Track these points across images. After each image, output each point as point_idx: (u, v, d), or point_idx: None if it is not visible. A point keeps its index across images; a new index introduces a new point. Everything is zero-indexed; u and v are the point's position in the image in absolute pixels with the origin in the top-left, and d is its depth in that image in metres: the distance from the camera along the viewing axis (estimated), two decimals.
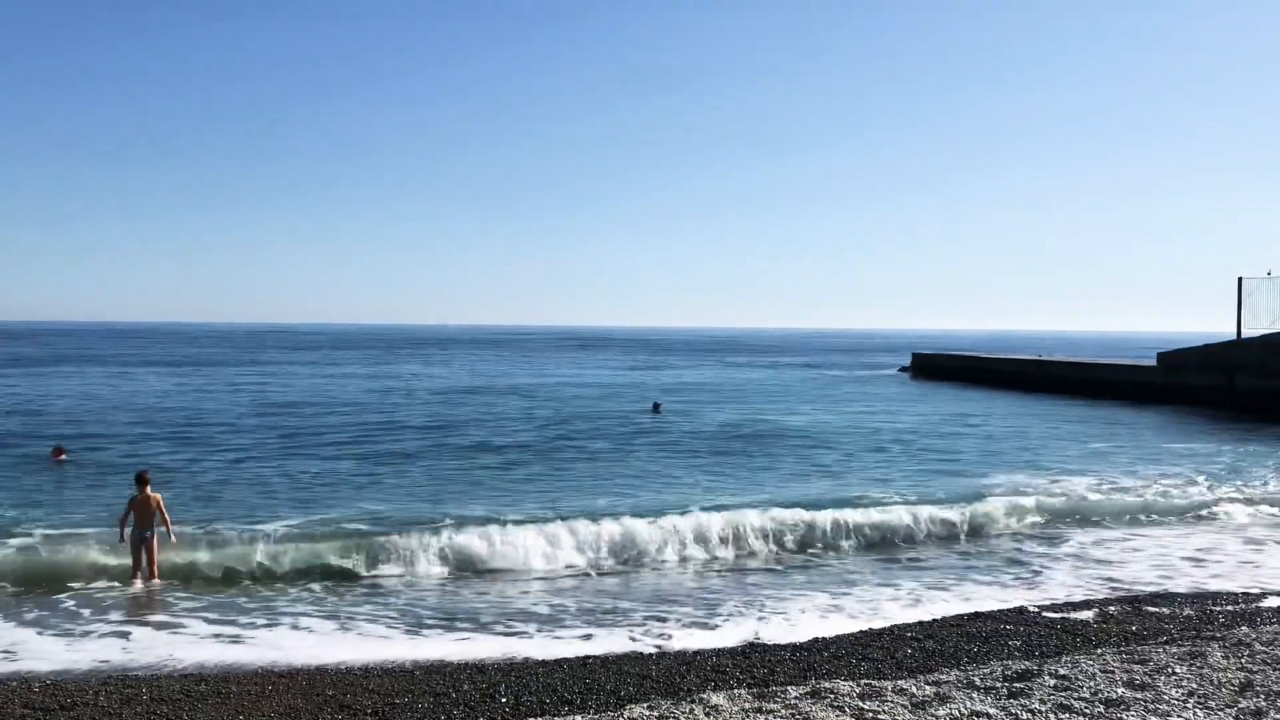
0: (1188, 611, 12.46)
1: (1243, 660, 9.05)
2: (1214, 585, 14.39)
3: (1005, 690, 8.21)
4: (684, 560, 16.12)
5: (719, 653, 10.85)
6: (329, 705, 8.97)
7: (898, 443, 31.55)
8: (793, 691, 8.43)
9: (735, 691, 8.74)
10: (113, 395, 47.93)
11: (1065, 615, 12.33)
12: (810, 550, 16.88)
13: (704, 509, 18.53)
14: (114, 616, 12.58)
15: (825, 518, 17.58)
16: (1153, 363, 49.27)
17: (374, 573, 14.85)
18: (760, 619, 12.67)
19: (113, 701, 9.03)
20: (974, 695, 8.11)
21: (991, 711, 7.63)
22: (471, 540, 15.60)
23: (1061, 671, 8.69)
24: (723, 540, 16.69)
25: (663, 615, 12.85)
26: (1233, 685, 8.21)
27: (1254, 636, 10.15)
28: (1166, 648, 9.83)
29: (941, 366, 70.16)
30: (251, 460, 26.43)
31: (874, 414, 42.03)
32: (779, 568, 15.81)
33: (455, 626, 12.34)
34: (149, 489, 14.94)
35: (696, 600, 13.67)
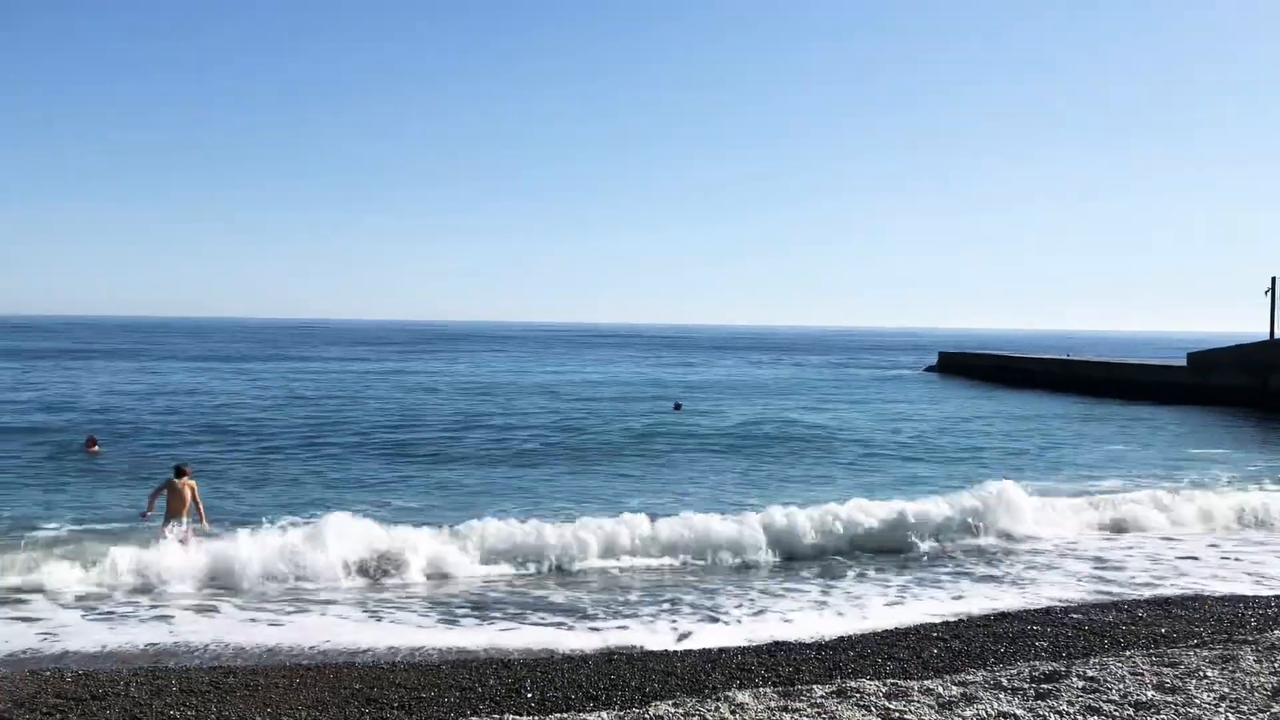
0: (1218, 614, 12.32)
1: (1276, 664, 8.94)
2: (1245, 588, 14.23)
3: (1032, 691, 8.15)
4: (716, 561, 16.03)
5: (744, 650, 10.83)
6: (356, 698, 9.03)
7: (920, 442, 31.37)
8: (818, 690, 8.41)
9: (761, 690, 8.72)
10: (143, 389, 48.41)
11: (1092, 616, 12.23)
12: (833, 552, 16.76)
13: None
14: (153, 599, 12.80)
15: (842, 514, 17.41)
16: (1182, 363, 48.79)
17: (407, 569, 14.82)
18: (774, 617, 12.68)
19: (143, 692, 9.12)
20: (1001, 696, 8.06)
21: (1019, 713, 7.58)
22: (529, 533, 15.67)
23: (1090, 673, 8.62)
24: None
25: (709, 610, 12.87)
26: (1265, 690, 8.11)
27: None
28: (1197, 651, 9.72)
29: (968, 365, 69.77)
30: (283, 454, 26.65)
31: (899, 413, 41.83)
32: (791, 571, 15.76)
33: (526, 619, 12.43)
34: (186, 479, 15.10)
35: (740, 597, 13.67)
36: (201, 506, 15.30)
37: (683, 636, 11.72)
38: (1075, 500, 19.87)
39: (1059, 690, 8.13)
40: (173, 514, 14.84)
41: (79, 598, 12.92)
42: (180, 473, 15.25)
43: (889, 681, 8.76)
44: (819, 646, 11.00)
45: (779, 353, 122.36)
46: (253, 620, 12.21)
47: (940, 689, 8.35)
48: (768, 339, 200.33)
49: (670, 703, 8.40)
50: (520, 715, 8.25)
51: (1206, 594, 13.73)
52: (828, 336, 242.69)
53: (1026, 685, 8.36)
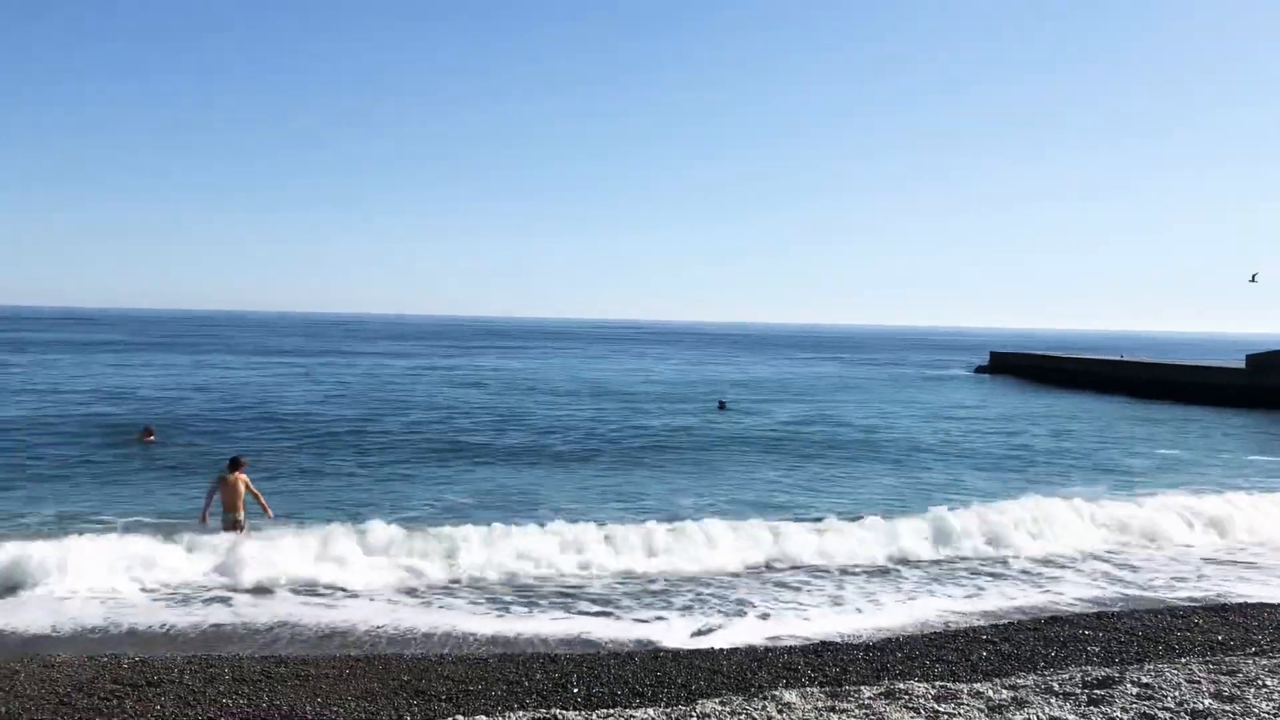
0: (1278, 622, 12.06)
1: None
2: None
3: (1085, 697, 8.03)
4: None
5: (790, 650, 10.78)
6: (404, 690, 9.11)
7: (968, 444, 31.01)
8: (866, 691, 8.35)
9: (808, 689, 8.68)
10: (197, 380, 49.19)
11: (1146, 622, 12.01)
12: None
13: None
14: (209, 589, 13.03)
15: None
16: (1239, 364, 47.82)
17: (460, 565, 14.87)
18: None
19: (196, 680, 9.27)
20: (1052, 701, 7.95)
21: (1071, 718, 7.47)
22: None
23: (1144, 680, 8.47)
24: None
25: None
26: None
27: None
28: (1256, 659, 9.52)
29: (1019, 365, 68.90)
30: (332, 447, 26.96)
31: (948, 413, 41.42)
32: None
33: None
34: (239, 473, 15.26)
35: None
36: (262, 499, 15.44)
37: (703, 631, 11.74)
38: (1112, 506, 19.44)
39: (1112, 696, 8.01)
40: (228, 508, 15.04)
41: (144, 589, 13.10)
42: (235, 466, 15.41)
43: (937, 684, 8.67)
44: (866, 647, 10.92)
45: (825, 351, 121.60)
46: (305, 601, 12.39)
47: (990, 692, 8.25)
48: (813, 337, 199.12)
49: (717, 700, 8.38)
50: (567, 710, 8.27)
51: (1267, 602, 13.45)
52: (875, 335, 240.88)
53: (1079, 690, 8.24)
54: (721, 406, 41.91)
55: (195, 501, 18.89)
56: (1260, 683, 8.41)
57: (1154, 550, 16.82)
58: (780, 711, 7.80)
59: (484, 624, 11.96)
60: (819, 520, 17.37)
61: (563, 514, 17.78)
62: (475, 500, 19.85)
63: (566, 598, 13.29)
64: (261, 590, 13.05)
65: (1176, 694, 8.06)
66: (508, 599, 13.18)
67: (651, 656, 10.42)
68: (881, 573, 15.03)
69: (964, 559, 15.90)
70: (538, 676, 9.55)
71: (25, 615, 11.83)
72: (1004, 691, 8.28)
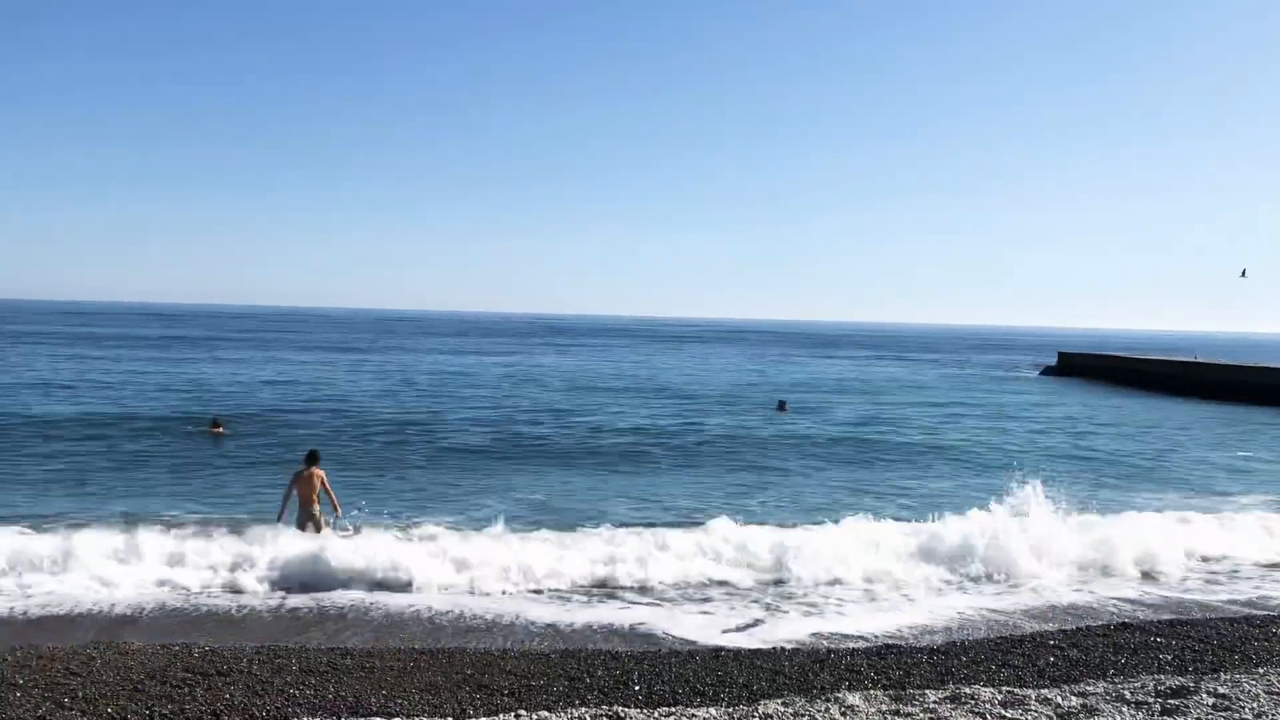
0: None
1: None
2: None
3: (1158, 706, 7.85)
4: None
5: (853, 652, 10.68)
6: (467, 684, 9.19)
7: (1028, 448, 30.44)
8: (931, 695, 8.25)
9: (871, 692, 8.60)
10: (265, 374, 50.10)
11: (1221, 631, 11.70)
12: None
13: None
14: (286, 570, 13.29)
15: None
16: None
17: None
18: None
19: (265, 670, 9.44)
20: (1124, 709, 7.79)
21: None
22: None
23: (1220, 690, 8.26)
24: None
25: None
26: None
27: None
28: None
29: (1088, 367, 67.43)
30: (396, 443, 27.31)
31: (1011, 416, 40.76)
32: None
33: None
34: (315, 467, 15.46)
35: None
36: (333, 496, 15.63)
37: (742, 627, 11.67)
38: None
39: (1187, 706, 7.82)
40: (304, 502, 15.27)
41: (224, 585, 13.32)
42: (311, 460, 15.60)
43: (1004, 689, 8.55)
44: (930, 650, 10.78)
45: (887, 350, 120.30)
46: (371, 598, 12.56)
47: (1059, 699, 8.11)
48: (874, 336, 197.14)
49: (779, 701, 8.35)
50: (629, 708, 8.28)
51: None
52: (935, 334, 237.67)
53: (1151, 699, 8.06)
54: (782, 406, 41.61)
55: (261, 494, 19.35)
56: None
57: (1233, 561, 16.35)
58: (843, 714, 7.74)
59: (545, 612, 12.03)
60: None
61: (628, 516, 17.86)
62: (538, 501, 19.84)
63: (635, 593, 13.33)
64: (329, 584, 13.23)
65: (1255, 705, 7.85)
66: (574, 599, 13.24)
67: (713, 655, 10.39)
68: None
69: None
70: (599, 673, 9.58)
71: (104, 601, 12.14)
72: (1073, 698, 8.14)
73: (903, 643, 11.22)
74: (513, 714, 8.13)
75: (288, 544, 14.08)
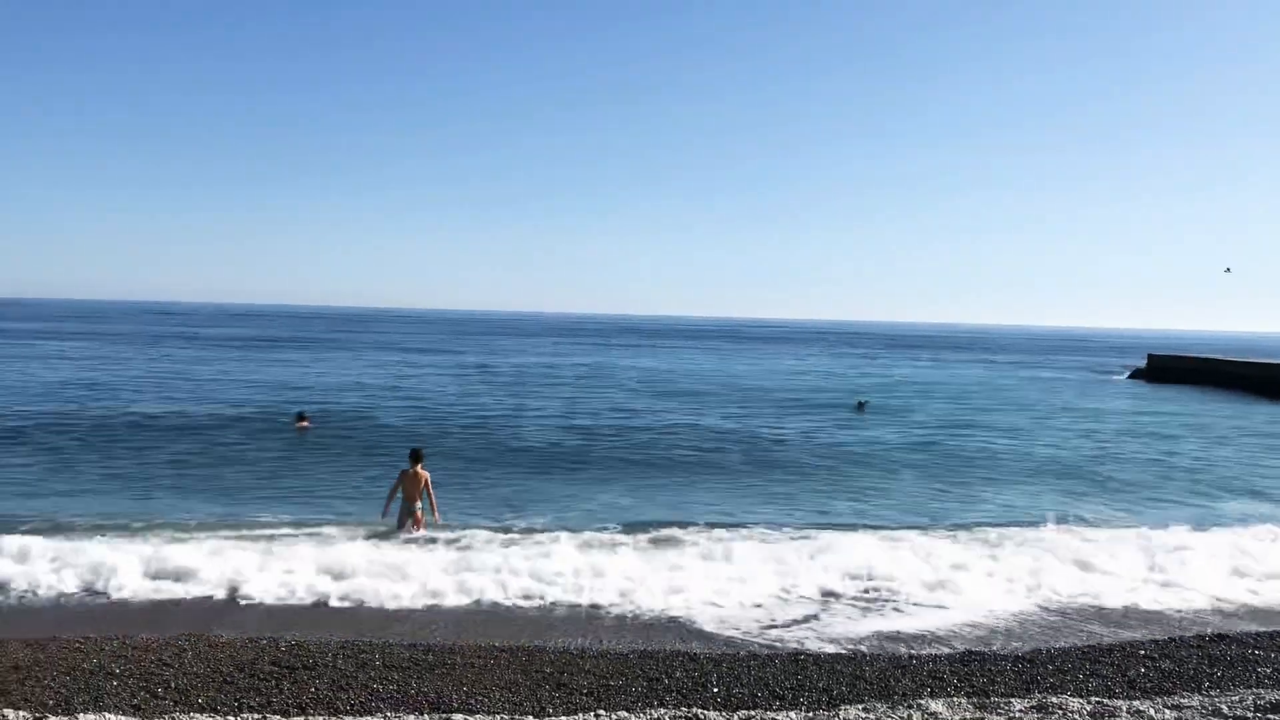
0: None
1: None
2: None
3: None
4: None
5: (935, 658, 10.50)
6: (547, 682, 9.24)
7: (1105, 458, 29.58)
8: (1017, 704, 8.07)
9: (954, 699, 8.45)
10: (350, 373, 51.06)
11: None
12: None
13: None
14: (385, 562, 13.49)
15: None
16: None
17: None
18: None
19: (349, 665, 9.62)
20: None
21: None
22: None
23: None
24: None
25: None
26: None
27: None
28: None
29: (1181, 370, 65.10)
30: (481, 444, 27.60)
31: (1094, 421, 39.74)
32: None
33: None
34: (420, 466, 15.72)
35: None
36: (434, 499, 15.86)
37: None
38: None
39: None
40: (408, 499, 15.53)
41: (308, 587, 13.59)
42: (416, 458, 15.83)
43: (1094, 699, 8.33)
44: (1015, 658, 10.55)
45: (969, 351, 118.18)
46: (452, 594, 12.70)
47: (1151, 711, 7.87)
48: (955, 337, 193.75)
49: (860, 707, 8.25)
50: (707, 710, 8.24)
51: None
52: (1019, 335, 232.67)
53: (1250, 714, 7.77)
54: (861, 407, 41.18)
55: (347, 492, 19.75)
56: None
57: None
58: None
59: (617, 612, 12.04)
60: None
61: (715, 520, 17.86)
62: (627, 505, 19.83)
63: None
64: (407, 580, 13.39)
65: None
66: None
67: (792, 659, 10.30)
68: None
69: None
70: (678, 675, 9.55)
71: (192, 594, 12.47)
72: (1166, 712, 7.89)
73: (986, 649, 11.00)
74: (592, 714, 8.15)
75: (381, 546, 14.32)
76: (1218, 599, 13.68)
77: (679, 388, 50.18)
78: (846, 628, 11.86)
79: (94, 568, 13.04)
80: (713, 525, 17.27)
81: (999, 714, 7.78)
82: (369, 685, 9.01)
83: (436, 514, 15.74)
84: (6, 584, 12.39)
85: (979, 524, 18.14)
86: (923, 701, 8.39)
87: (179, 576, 12.96)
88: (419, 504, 15.57)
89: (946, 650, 10.93)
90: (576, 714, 8.25)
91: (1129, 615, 12.83)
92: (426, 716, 8.09)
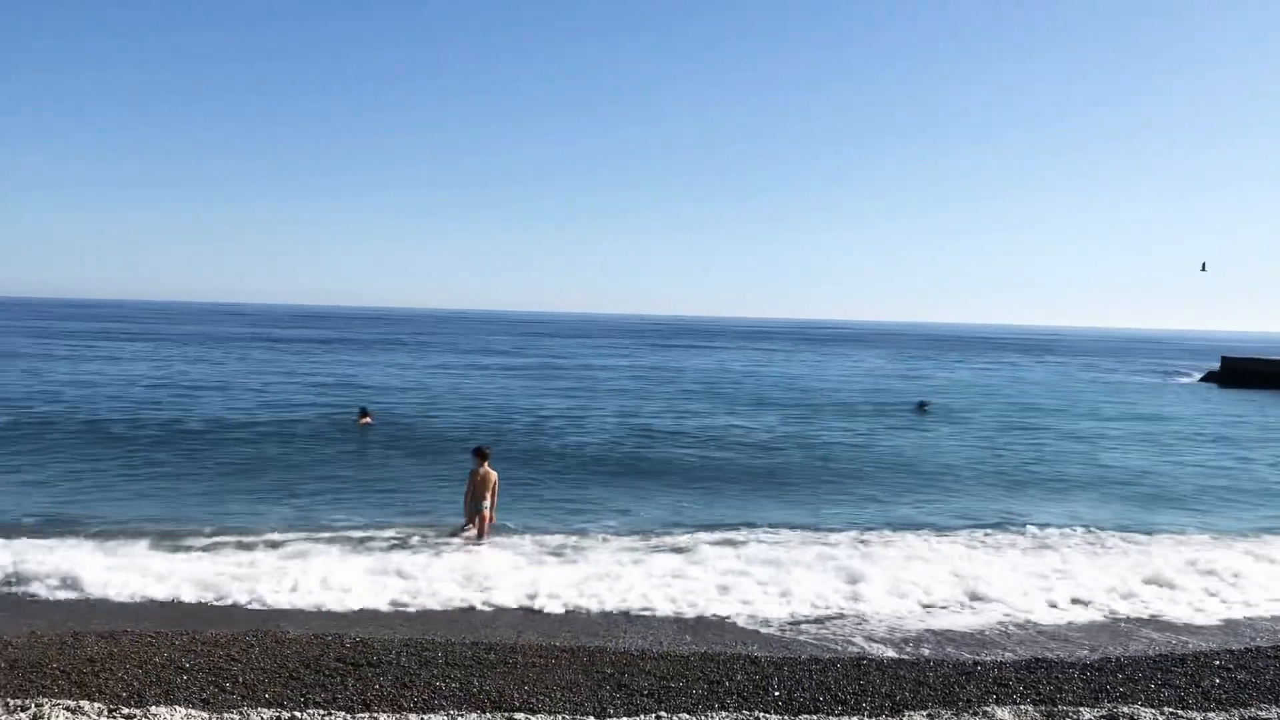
0: None
1: None
2: None
3: None
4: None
5: (1001, 664, 10.33)
6: (608, 683, 9.26)
7: (1162, 468, 28.90)
8: (1086, 714, 7.92)
9: (1021, 707, 8.32)
10: (410, 372, 51.66)
11: None
12: None
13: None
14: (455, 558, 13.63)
15: None
16: None
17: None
18: None
19: (412, 662, 9.72)
20: None
21: None
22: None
23: None
24: None
25: None
26: None
27: None
28: None
29: (1257, 373, 62.98)
30: (539, 444, 27.77)
31: (1158, 426, 38.85)
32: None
33: None
34: (487, 465, 15.84)
35: None
36: (495, 499, 15.99)
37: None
38: None
39: None
40: (476, 497, 15.67)
41: (370, 586, 13.77)
42: (481, 456, 15.91)
43: (1166, 710, 8.15)
44: (1083, 666, 10.34)
45: (1032, 353, 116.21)
46: (515, 594, 12.76)
47: None
48: (1019, 338, 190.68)
49: (924, 713, 8.16)
50: (769, 713, 8.21)
51: None
52: (1084, 337, 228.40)
53: None
54: (922, 408, 40.72)
55: (413, 492, 19.98)
56: None
57: None
58: None
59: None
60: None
61: (775, 521, 17.83)
62: (685, 507, 19.78)
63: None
64: (467, 582, 13.50)
65: None
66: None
67: (854, 663, 10.20)
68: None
69: None
70: (739, 677, 9.51)
71: (260, 590, 12.67)
72: None
73: (1053, 656, 10.80)
74: (653, 715, 8.15)
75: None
76: None
77: (737, 389, 49.99)
78: (908, 632, 11.72)
79: (161, 571, 13.35)
80: (774, 526, 17.32)
81: None
82: (432, 683, 9.09)
83: (492, 515, 15.86)
84: (80, 581, 12.69)
85: (1041, 528, 17.87)
86: (988, 708, 8.28)
87: (242, 578, 13.18)
88: (487, 503, 15.70)
89: (1012, 656, 10.75)
90: (638, 715, 8.26)
91: (1199, 625, 12.51)
92: (489, 715, 8.15)
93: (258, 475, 21.60)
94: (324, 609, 12.08)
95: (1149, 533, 17.89)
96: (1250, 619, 12.78)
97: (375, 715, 8.11)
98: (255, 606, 12.09)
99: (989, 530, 17.65)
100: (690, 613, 12.25)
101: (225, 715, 7.92)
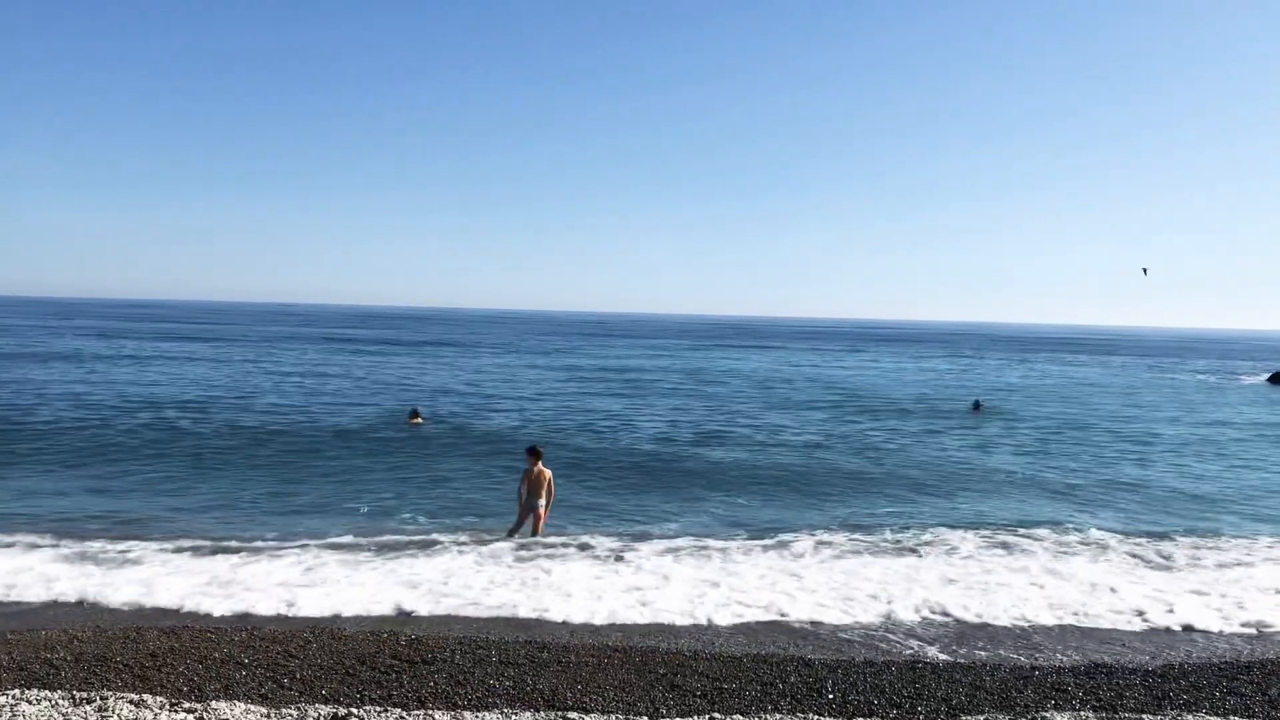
0: None
1: None
2: None
3: None
4: None
5: (1059, 669, 10.17)
6: (660, 683, 9.25)
7: (1259, 465, 28.26)
8: None
9: (1080, 714, 8.19)
10: (460, 372, 52.03)
11: None
12: None
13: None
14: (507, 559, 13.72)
15: None
16: None
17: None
18: None
19: (466, 660, 9.78)
20: None
21: None
22: None
23: None
24: None
25: None
26: None
27: None
28: None
29: None
30: (586, 445, 27.85)
31: (1214, 430, 38.00)
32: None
33: None
34: (541, 463, 15.90)
35: None
36: (553, 494, 16.04)
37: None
38: None
39: None
40: (531, 495, 15.74)
41: (425, 584, 13.95)
42: (534, 456, 15.94)
43: (1232, 719, 7.96)
44: (1144, 672, 10.14)
45: (1093, 352, 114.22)
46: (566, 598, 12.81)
47: None
48: (1076, 338, 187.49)
49: (980, 718, 8.05)
50: (823, 716, 8.15)
51: None
52: (1147, 337, 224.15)
53: None
54: (977, 407, 40.25)
55: (464, 494, 20.13)
56: None
57: None
58: None
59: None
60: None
61: (825, 523, 17.71)
62: (737, 510, 19.70)
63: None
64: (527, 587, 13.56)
65: None
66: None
67: (909, 666, 10.10)
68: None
69: None
70: (792, 679, 9.45)
71: (314, 593, 12.85)
72: None
73: (1114, 662, 10.60)
74: (706, 716, 8.13)
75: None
76: None
77: (787, 390, 49.73)
78: (963, 635, 11.58)
79: (232, 578, 13.60)
80: (824, 528, 17.24)
81: None
82: (485, 681, 9.15)
83: (547, 512, 15.92)
84: (151, 581, 12.94)
85: (1097, 530, 17.60)
86: (1046, 714, 8.16)
87: (308, 584, 13.38)
88: (541, 500, 15.76)
89: (1070, 661, 10.58)
90: (691, 716, 8.24)
91: (1269, 632, 12.22)
92: (542, 713, 8.17)
93: (317, 480, 21.75)
94: (378, 606, 12.18)
95: (1214, 535, 17.55)
96: None
97: (430, 713, 8.17)
98: (312, 605, 12.23)
99: (1040, 532, 17.38)
100: (742, 614, 12.20)
101: (283, 711, 8.02)
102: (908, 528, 17.52)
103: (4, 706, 7.81)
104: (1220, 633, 12.03)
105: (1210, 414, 42.10)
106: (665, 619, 11.91)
